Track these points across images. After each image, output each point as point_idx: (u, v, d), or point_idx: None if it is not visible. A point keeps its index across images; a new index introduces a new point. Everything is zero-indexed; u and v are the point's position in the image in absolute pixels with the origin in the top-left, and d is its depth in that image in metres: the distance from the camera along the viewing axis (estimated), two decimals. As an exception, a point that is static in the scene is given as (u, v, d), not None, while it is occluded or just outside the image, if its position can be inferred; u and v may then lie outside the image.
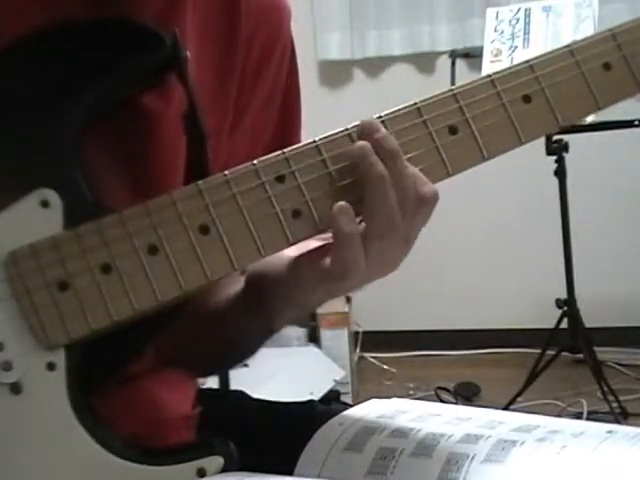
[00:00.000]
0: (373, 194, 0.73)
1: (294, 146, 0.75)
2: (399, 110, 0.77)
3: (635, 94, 0.82)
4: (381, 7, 3.76)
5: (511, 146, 0.79)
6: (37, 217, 0.72)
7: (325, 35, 3.80)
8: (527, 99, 0.79)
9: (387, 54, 3.78)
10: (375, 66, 3.83)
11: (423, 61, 3.77)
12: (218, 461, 0.73)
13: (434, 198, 0.75)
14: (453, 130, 0.78)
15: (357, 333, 3.51)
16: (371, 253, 0.73)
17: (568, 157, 2.87)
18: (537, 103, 0.79)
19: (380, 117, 0.77)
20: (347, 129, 0.76)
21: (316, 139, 0.76)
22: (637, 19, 0.83)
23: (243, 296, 0.86)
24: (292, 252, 0.79)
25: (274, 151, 0.76)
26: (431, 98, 0.78)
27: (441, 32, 3.71)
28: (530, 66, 0.80)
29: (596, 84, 0.80)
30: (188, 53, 0.77)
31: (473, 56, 3.07)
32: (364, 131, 0.75)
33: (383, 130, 0.75)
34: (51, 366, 0.71)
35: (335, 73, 3.86)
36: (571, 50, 0.81)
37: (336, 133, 0.76)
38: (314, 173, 0.75)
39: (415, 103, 0.77)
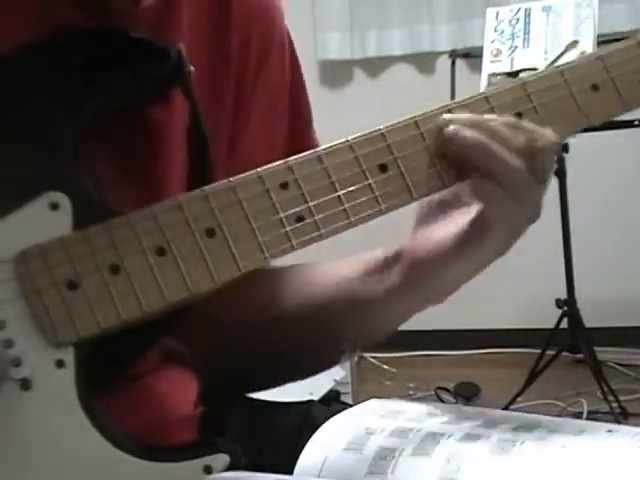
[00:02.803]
0: (481, 161, 0.77)
1: (297, 155, 0.77)
2: (398, 122, 0.80)
3: (622, 114, 0.85)
4: (381, 7, 3.76)
5: None
6: (47, 219, 0.73)
7: (325, 35, 3.80)
8: (519, 116, 0.82)
9: (387, 54, 3.79)
10: (375, 66, 3.84)
11: (423, 61, 3.77)
12: (224, 459, 0.74)
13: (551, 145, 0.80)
14: None
15: (357, 333, 3.50)
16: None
17: (568, 157, 2.87)
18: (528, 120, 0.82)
19: (380, 129, 0.79)
20: (348, 140, 0.78)
21: (318, 149, 0.78)
22: (622, 43, 0.86)
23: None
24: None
25: (291, 148, 0.78)
26: (427, 113, 0.80)
27: (441, 32, 3.71)
28: (523, 83, 0.82)
29: (585, 104, 0.83)
30: (192, 68, 0.78)
31: (473, 56, 3.07)
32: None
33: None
34: (60, 363, 0.72)
35: (335, 73, 3.86)
36: (561, 71, 0.84)
37: (337, 144, 0.78)
38: (317, 182, 0.77)
39: (413, 117, 0.80)
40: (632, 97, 0.85)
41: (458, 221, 0.82)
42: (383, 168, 0.79)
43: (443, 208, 0.84)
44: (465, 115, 0.79)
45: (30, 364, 0.71)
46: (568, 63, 0.85)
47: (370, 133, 0.79)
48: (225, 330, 0.92)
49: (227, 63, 0.88)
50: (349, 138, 0.78)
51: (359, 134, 0.79)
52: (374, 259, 0.88)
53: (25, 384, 0.71)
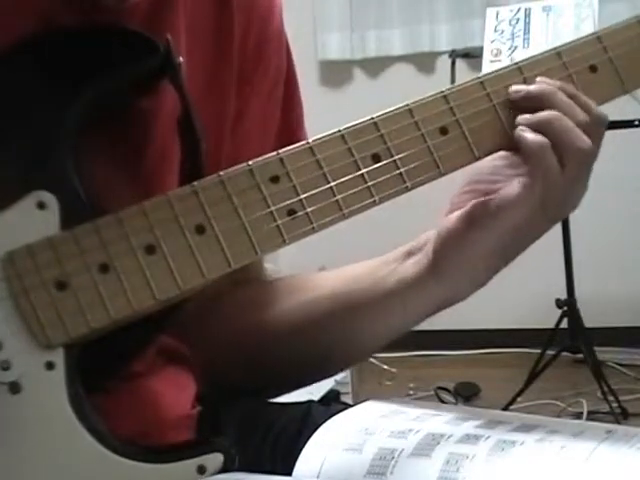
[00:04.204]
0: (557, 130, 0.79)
1: (288, 147, 0.76)
2: (392, 111, 0.78)
3: (621, 95, 0.84)
4: (381, 7, 3.77)
5: (501, 146, 0.81)
6: (34, 218, 0.72)
7: (325, 35, 3.81)
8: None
9: (387, 54, 3.79)
10: (375, 66, 3.84)
11: (423, 61, 3.77)
12: (218, 458, 0.73)
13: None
14: (444, 130, 0.79)
15: (357, 333, 3.50)
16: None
17: (568, 157, 2.86)
18: None
19: (372, 118, 0.78)
20: (339, 130, 0.77)
21: (309, 141, 0.76)
22: (621, 22, 0.86)
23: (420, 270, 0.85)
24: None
25: (280, 142, 0.77)
26: (421, 100, 0.80)
27: (441, 32, 3.72)
28: (518, 68, 0.82)
29: (583, 85, 0.82)
30: (181, 59, 0.78)
31: (473, 56, 3.08)
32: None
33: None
34: (50, 365, 0.71)
35: (335, 73, 3.87)
36: (558, 52, 0.83)
37: (328, 135, 0.77)
38: (308, 174, 0.75)
39: (407, 104, 0.79)
40: (631, 78, 0.84)
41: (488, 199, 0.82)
42: (376, 158, 0.77)
43: (477, 192, 0.84)
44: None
45: (19, 367, 0.70)
46: (565, 44, 0.83)
47: (362, 122, 0.77)
48: (217, 336, 0.92)
49: (229, 56, 0.88)
50: (341, 128, 0.77)
51: (351, 124, 0.77)
52: (386, 256, 0.88)
53: (14, 387, 0.70)
